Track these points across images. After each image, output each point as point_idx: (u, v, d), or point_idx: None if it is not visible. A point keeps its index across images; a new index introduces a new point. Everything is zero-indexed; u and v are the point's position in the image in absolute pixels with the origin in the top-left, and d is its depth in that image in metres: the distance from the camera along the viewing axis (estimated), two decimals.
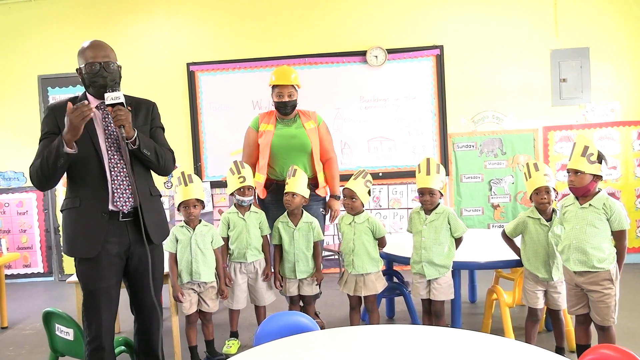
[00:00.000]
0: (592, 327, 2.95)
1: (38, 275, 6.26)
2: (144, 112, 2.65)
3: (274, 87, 3.75)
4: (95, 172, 2.44)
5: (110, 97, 2.37)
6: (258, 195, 3.86)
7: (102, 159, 2.46)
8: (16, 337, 4.24)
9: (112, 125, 2.48)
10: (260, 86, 5.65)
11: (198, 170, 5.92)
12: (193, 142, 5.95)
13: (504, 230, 3.32)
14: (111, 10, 6.00)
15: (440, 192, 3.17)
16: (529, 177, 3.12)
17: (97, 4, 6.01)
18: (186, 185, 3.28)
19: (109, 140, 2.49)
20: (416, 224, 3.29)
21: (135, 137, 2.43)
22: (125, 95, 2.47)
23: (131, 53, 5.94)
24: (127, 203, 2.49)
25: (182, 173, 3.31)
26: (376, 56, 5.74)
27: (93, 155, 2.44)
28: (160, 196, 2.76)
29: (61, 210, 2.56)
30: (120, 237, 2.50)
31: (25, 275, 6.25)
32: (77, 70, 2.54)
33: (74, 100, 2.52)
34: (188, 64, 5.92)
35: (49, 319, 2.75)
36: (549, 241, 3.07)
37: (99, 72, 2.44)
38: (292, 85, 3.72)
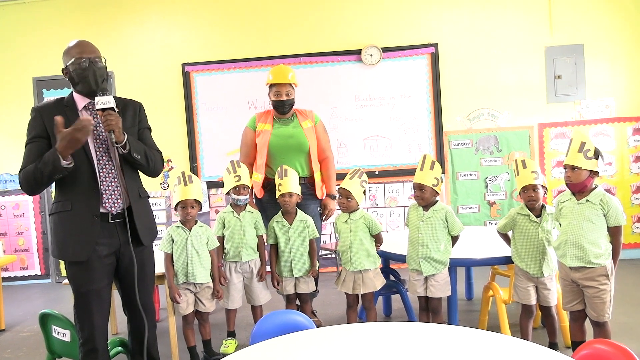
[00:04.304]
0: (587, 324, 2.96)
1: (35, 277, 6.25)
2: (131, 113, 2.63)
3: (271, 86, 3.74)
4: (85, 176, 2.42)
5: (100, 102, 2.36)
6: (255, 195, 3.86)
7: (93, 162, 2.44)
8: (14, 339, 4.23)
9: (100, 126, 2.46)
10: (256, 86, 5.66)
11: (194, 171, 5.91)
12: (189, 142, 5.95)
13: (497, 227, 3.35)
14: (106, 12, 5.99)
15: (433, 189, 3.17)
16: (517, 174, 3.13)
17: (91, 5, 6.00)
18: (186, 185, 3.27)
19: (98, 141, 2.47)
20: (413, 219, 3.30)
21: (126, 142, 2.43)
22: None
23: (126, 54, 5.94)
24: (116, 205, 2.48)
25: (183, 173, 3.31)
26: (371, 55, 5.75)
27: (83, 158, 2.42)
28: (149, 197, 2.75)
29: (50, 214, 2.54)
30: (110, 238, 2.49)
31: (23, 278, 6.24)
32: (63, 70, 2.51)
33: (61, 101, 2.51)
34: (183, 65, 5.92)
35: (45, 320, 2.75)
36: (539, 237, 3.07)
37: (88, 67, 2.43)
38: (290, 84, 3.72)
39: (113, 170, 2.48)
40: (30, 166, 2.36)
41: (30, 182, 2.37)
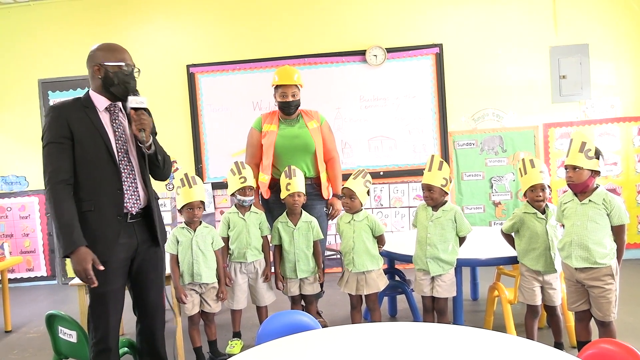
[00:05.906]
0: (593, 324, 2.96)
1: (41, 278, 6.27)
2: None
3: (277, 87, 3.74)
4: (110, 176, 2.44)
5: (135, 101, 2.42)
6: (262, 195, 3.87)
7: (117, 163, 2.46)
8: (20, 340, 4.25)
9: (121, 127, 2.51)
10: (261, 87, 5.67)
11: (199, 172, 5.93)
12: (194, 143, 5.96)
13: (501, 228, 3.33)
14: (111, 13, 6.02)
15: (442, 189, 3.17)
16: (524, 173, 3.10)
17: (97, 6, 6.03)
18: (190, 187, 3.28)
19: (119, 142, 2.50)
20: (422, 219, 3.29)
21: (151, 142, 2.48)
22: None
23: (131, 55, 5.95)
24: (136, 205, 2.51)
25: (185, 175, 3.32)
26: (375, 55, 5.75)
27: (108, 159, 2.44)
28: (158, 199, 2.77)
29: None
30: (129, 238, 2.51)
31: (29, 279, 6.27)
32: (94, 65, 2.47)
33: (79, 101, 2.51)
34: (188, 66, 5.93)
35: (52, 321, 2.76)
36: (547, 233, 3.06)
37: (131, 75, 2.50)
38: (296, 85, 3.72)
39: (133, 171, 2.52)
40: (64, 206, 2.32)
41: (49, 207, 2.41)
